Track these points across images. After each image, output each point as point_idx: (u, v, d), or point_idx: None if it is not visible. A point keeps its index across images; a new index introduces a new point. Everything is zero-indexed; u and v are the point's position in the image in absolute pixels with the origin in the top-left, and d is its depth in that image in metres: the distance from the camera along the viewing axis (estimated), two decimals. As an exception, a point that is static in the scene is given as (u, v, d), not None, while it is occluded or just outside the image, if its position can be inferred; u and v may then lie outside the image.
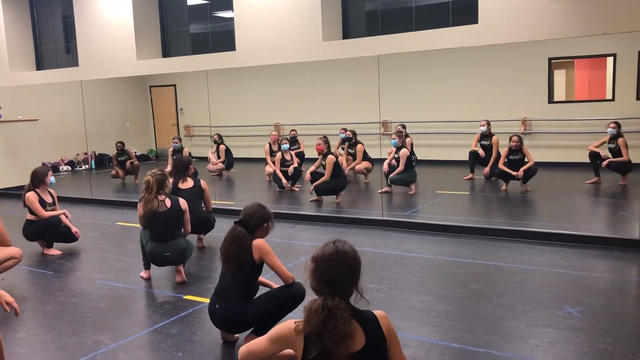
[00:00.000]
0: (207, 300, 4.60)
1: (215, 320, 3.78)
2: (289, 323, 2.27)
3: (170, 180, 5.55)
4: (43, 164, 11.38)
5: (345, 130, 10.61)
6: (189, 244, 5.32)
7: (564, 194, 8.68)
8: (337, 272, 2.22)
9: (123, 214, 8.59)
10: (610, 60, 10.97)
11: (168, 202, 5.12)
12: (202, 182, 6.33)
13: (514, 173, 8.72)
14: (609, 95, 11.02)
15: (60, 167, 13.98)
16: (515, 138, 8.83)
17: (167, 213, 5.09)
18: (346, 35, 8.38)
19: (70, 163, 14.31)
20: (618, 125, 8.85)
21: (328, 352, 2.13)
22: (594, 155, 9.04)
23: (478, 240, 6.26)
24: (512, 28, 6.50)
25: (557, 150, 11.27)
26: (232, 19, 8.84)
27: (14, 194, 9.96)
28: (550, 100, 11.39)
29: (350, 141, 10.42)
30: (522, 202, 8.37)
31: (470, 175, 10.02)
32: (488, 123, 9.83)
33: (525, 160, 8.78)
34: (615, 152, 8.82)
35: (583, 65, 12.16)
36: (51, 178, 6.55)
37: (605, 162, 8.83)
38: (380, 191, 8.97)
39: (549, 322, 4.02)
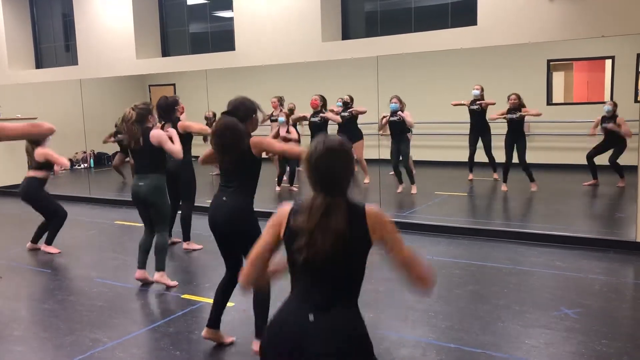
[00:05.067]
0: (205, 300, 4.62)
1: (219, 212, 3.60)
2: (284, 209, 2.18)
3: (155, 117, 5.30)
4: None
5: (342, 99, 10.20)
6: (164, 193, 5.11)
7: (561, 195, 8.70)
8: (333, 169, 2.11)
9: (121, 213, 8.60)
10: (608, 62, 10.99)
11: (141, 140, 4.91)
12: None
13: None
14: (607, 98, 11.03)
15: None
16: (513, 96, 8.75)
17: (141, 150, 4.94)
18: (345, 36, 8.38)
19: (69, 162, 14.31)
20: (615, 105, 8.85)
21: (316, 245, 2.04)
22: (591, 157, 9.05)
23: (475, 241, 6.28)
24: (511, 30, 6.51)
25: (555, 152, 11.29)
26: (231, 18, 8.84)
27: (14, 192, 9.95)
28: (549, 102, 11.40)
29: (347, 106, 9.94)
30: (520, 204, 8.38)
31: (470, 176, 9.99)
32: (482, 89, 9.63)
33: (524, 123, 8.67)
34: (612, 132, 8.82)
35: (582, 68, 12.18)
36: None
37: (610, 125, 8.68)
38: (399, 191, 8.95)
39: (546, 323, 4.03)
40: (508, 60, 11.19)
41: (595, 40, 6.77)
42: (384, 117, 9.05)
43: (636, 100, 10.45)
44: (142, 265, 5.13)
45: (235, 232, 3.60)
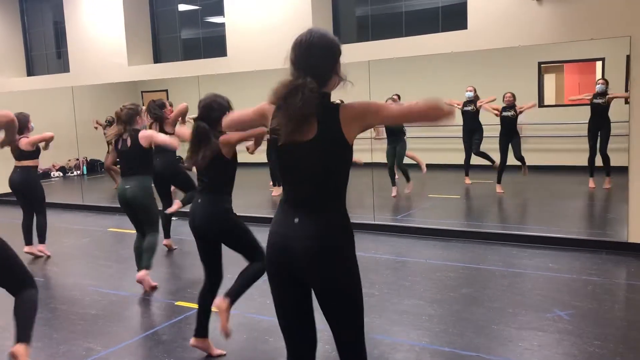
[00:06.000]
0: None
1: (197, 217, 3.55)
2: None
3: (144, 117, 5.33)
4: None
5: None
6: (151, 194, 5.12)
7: (553, 197, 8.74)
8: (312, 53, 2.09)
9: (114, 220, 8.56)
10: (599, 64, 11.06)
11: (129, 141, 4.95)
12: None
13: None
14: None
15: (52, 173, 13.92)
16: (508, 94, 8.86)
17: (128, 151, 4.96)
18: (337, 40, 8.42)
19: (62, 169, 14.25)
20: (606, 82, 8.89)
21: (284, 127, 2.05)
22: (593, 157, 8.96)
23: (469, 243, 6.30)
24: (501, 33, 6.54)
25: (547, 153, 11.33)
26: (223, 24, 8.85)
27: (5, 200, 9.90)
28: (541, 104, 11.45)
29: None
30: (513, 206, 8.42)
31: (467, 180, 9.91)
32: (475, 90, 9.67)
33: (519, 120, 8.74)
34: (603, 108, 8.75)
35: (572, 70, 12.26)
36: (32, 124, 6.41)
37: (610, 95, 8.69)
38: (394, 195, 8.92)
39: (539, 325, 4.05)
40: (499, 63, 11.23)
41: (585, 42, 6.83)
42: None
43: (626, 102, 10.51)
44: (141, 267, 5.13)
45: (216, 234, 3.58)
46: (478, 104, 9.51)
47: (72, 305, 4.92)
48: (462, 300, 4.62)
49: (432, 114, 2.07)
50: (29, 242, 6.44)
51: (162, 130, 6.04)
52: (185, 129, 6.16)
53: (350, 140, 2.10)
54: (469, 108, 9.67)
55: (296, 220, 2.13)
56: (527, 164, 8.96)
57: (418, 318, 4.25)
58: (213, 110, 3.43)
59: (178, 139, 5.03)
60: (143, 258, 5.06)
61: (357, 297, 2.21)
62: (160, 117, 6.10)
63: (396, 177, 9.20)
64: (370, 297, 4.68)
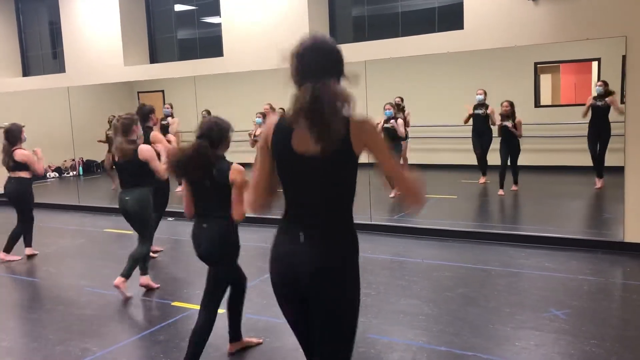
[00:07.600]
0: (195, 307, 4.59)
1: (200, 240, 3.45)
2: (270, 121, 2.19)
3: (139, 127, 5.11)
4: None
5: None
6: (149, 207, 5.04)
7: (550, 197, 8.76)
8: (321, 59, 2.05)
9: (110, 221, 8.54)
10: (595, 64, 11.09)
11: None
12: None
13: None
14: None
15: (48, 174, 13.89)
16: (505, 103, 8.81)
17: (127, 164, 4.88)
18: (333, 40, 8.41)
19: (58, 170, 14.22)
20: (606, 84, 8.86)
21: (319, 134, 1.95)
22: (595, 157, 8.91)
23: (465, 243, 6.30)
24: (498, 33, 6.55)
25: (544, 154, 11.36)
26: (219, 24, 8.84)
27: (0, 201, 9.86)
28: (537, 104, 11.48)
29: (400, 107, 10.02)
30: (509, 206, 8.43)
31: (482, 179, 9.83)
32: (485, 93, 9.65)
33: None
34: (603, 110, 8.73)
35: (568, 70, 12.28)
36: (24, 135, 6.41)
37: (609, 99, 8.70)
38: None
39: (535, 324, 4.06)
40: (496, 63, 11.25)
41: (581, 42, 6.85)
42: (377, 123, 9.10)
43: (622, 102, 10.53)
44: (143, 271, 5.13)
45: (218, 258, 3.46)
46: (490, 122, 9.44)
47: (68, 305, 4.91)
48: (459, 300, 4.62)
49: (412, 195, 2.10)
50: (8, 250, 6.44)
51: (147, 141, 5.80)
52: (159, 140, 6.03)
53: (358, 153, 2.04)
54: (480, 111, 9.61)
55: (301, 238, 2.07)
56: (523, 164, 8.97)
57: (415, 318, 4.25)
58: (214, 132, 3.41)
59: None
60: (127, 265, 4.93)
61: (353, 322, 2.17)
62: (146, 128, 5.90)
63: None
64: (367, 297, 4.68)
